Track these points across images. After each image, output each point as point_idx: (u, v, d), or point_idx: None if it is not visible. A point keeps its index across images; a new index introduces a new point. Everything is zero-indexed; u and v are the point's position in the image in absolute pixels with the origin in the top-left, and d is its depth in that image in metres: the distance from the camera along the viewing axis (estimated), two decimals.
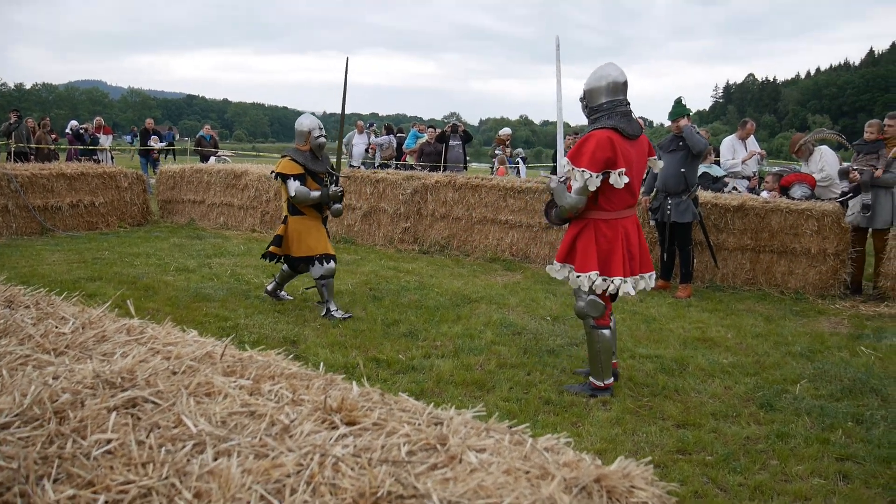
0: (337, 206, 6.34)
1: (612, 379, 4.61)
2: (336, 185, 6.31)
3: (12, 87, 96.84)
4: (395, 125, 18.98)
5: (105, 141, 17.94)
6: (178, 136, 23.97)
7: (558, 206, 4.51)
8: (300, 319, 6.17)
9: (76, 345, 2.04)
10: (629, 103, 4.43)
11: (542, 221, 9.21)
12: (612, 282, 4.41)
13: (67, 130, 18.64)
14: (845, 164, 8.29)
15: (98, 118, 19.01)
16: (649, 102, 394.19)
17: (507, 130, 15.60)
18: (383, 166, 15.38)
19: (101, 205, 11.38)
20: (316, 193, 6.16)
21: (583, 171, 4.27)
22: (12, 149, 14.84)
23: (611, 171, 4.29)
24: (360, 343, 5.51)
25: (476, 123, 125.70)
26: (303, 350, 5.24)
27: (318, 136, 6.24)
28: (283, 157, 6.30)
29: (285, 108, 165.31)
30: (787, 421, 4.24)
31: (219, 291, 7.04)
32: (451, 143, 13.93)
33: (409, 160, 15.46)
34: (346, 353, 5.21)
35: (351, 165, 15.05)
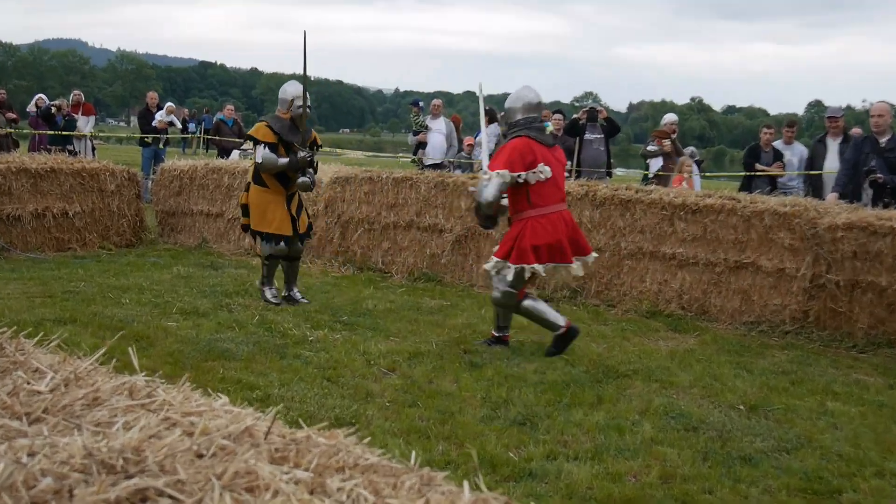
0: (303, 178, 8.33)
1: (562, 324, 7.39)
2: (305, 152, 8.33)
3: None
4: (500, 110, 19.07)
5: (84, 124, 18.64)
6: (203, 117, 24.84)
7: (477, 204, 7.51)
8: (360, 391, 6.21)
9: (58, 409, 2.09)
10: (542, 120, 7.12)
11: (726, 258, 9.08)
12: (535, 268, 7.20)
13: (31, 108, 19.47)
14: None
15: (76, 92, 19.88)
16: None
17: (671, 117, 15.45)
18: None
19: (76, 215, 11.78)
20: (284, 160, 8.25)
21: (498, 172, 7.09)
22: None
23: (532, 170, 7.14)
24: (450, 431, 5.49)
25: (623, 110, 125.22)
26: (364, 437, 5.26)
27: (300, 107, 8.30)
28: (260, 121, 8.16)
29: (340, 82, 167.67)
30: None
31: (242, 346, 7.19)
32: (586, 136, 13.94)
33: None
34: (431, 446, 5.20)
35: (423, 166, 15.05)
